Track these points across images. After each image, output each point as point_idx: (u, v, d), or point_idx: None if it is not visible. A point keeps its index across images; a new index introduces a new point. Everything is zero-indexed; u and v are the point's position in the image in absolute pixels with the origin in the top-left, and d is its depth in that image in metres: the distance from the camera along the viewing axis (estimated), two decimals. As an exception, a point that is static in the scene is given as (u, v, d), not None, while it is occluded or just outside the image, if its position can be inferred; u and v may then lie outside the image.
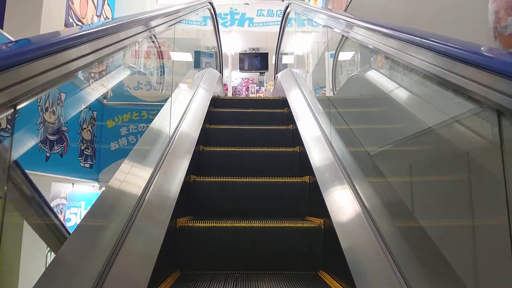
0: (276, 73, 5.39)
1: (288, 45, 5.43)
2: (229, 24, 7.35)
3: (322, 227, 1.65)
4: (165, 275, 1.44)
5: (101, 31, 1.14)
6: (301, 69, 5.51)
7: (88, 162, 4.22)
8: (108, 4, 6.59)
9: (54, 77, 0.85)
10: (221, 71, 5.32)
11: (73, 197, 5.04)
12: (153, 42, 5.06)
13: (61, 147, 3.61)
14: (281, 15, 7.43)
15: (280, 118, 3.18)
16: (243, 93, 9.66)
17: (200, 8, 3.30)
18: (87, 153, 4.16)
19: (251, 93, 9.69)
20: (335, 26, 2.21)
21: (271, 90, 11.39)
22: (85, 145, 4.13)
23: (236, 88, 9.74)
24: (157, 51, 5.22)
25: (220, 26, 7.35)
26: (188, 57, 5.02)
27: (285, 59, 5.47)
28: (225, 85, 9.82)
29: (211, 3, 4.05)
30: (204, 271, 1.63)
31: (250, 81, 10.20)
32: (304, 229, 1.69)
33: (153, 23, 1.94)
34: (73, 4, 5.18)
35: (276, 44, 5.28)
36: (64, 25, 4.99)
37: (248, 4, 7.69)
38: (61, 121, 3.65)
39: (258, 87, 9.92)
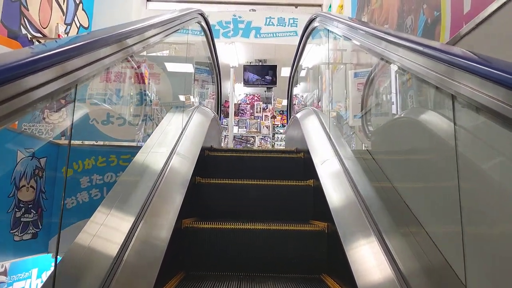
0: (290, 102, 4.24)
1: (308, 69, 4.29)
2: (231, 35, 6.23)
3: None
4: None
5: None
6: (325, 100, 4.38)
7: (30, 231, 3.07)
8: (83, 10, 5.46)
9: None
10: (219, 103, 4.19)
11: (18, 268, 3.90)
12: (128, 61, 3.94)
13: (-27, 225, 2.47)
14: (294, 25, 6.29)
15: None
16: (248, 112, 8.52)
17: (183, 23, 2.16)
18: (27, 219, 3.02)
19: (257, 112, 8.55)
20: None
21: (280, 107, 10.24)
22: (23, 209, 2.98)
23: (239, 106, 8.61)
24: (135, 73, 4.10)
25: (221, 37, 6.22)
26: (175, 84, 3.89)
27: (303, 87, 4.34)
28: (226, 102, 8.69)
29: (202, 14, 2.93)
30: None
31: (255, 98, 9.07)
32: None
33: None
34: (27, 10, 4.05)
35: (291, 66, 4.13)
36: (13, 38, 3.86)
37: (255, 10, 6.56)
38: (-25, 186, 2.52)
39: (264, 105, 8.78)
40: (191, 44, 4.13)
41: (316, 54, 5.82)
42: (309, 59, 5.09)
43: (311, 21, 2.95)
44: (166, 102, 3.84)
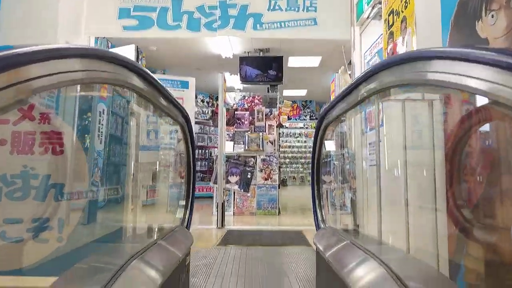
0: (318, 184, 2.33)
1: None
2: (218, 26, 4.24)
3: None
4: None
5: None
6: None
7: None
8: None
9: None
10: (189, 203, 2.32)
11: None
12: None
13: None
14: (312, 9, 4.26)
15: None
16: (246, 121, 6.58)
17: None
18: None
19: (258, 120, 6.62)
20: None
21: (288, 112, 8.27)
22: None
23: (235, 113, 6.67)
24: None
25: (202, 29, 4.25)
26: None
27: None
28: (218, 106, 6.75)
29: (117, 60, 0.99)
30: None
31: (256, 100, 7.11)
32: None
33: None
34: None
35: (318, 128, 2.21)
36: None
37: (253, -13, 4.50)
38: None
39: (268, 110, 6.84)
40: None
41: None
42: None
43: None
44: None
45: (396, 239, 2.73)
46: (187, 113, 2.24)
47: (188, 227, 2.29)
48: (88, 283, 1.42)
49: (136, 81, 1.38)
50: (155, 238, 1.90)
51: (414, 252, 2.40)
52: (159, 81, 1.57)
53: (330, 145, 6.51)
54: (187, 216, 2.33)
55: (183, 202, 2.42)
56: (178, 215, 2.34)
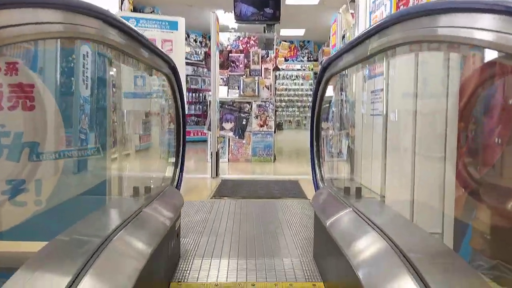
0: (317, 129, 2.16)
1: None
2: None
3: None
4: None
5: None
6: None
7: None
8: None
9: None
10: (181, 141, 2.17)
11: None
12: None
13: None
14: None
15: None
16: (241, 64, 6.26)
17: None
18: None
19: (253, 64, 6.30)
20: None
21: (286, 53, 7.87)
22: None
23: (229, 55, 6.32)
24: None
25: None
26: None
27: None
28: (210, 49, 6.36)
29: None
30: None
31: (252, 41, 6.71)
32: None
33: None
34: None
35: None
36: None
37: None
38: None
39: (264, 52, 6.48)
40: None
41: None
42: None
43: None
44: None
45: (400, 193, 2.62)
46: (174, 63, 2.01)
47: (178, 187, 2.15)
48: (70, 256, 1.30)
49: (113, 36, 1.15)
50: (143, 201, 1.77)
51: (418, 207, 2.30)
52: (138, 31, 1.33)
53: (328, 91, 6.27)
54: (177, 176, 2.18)
55: (173, 159, 2.27)
56: (168, 173, 2.19)
